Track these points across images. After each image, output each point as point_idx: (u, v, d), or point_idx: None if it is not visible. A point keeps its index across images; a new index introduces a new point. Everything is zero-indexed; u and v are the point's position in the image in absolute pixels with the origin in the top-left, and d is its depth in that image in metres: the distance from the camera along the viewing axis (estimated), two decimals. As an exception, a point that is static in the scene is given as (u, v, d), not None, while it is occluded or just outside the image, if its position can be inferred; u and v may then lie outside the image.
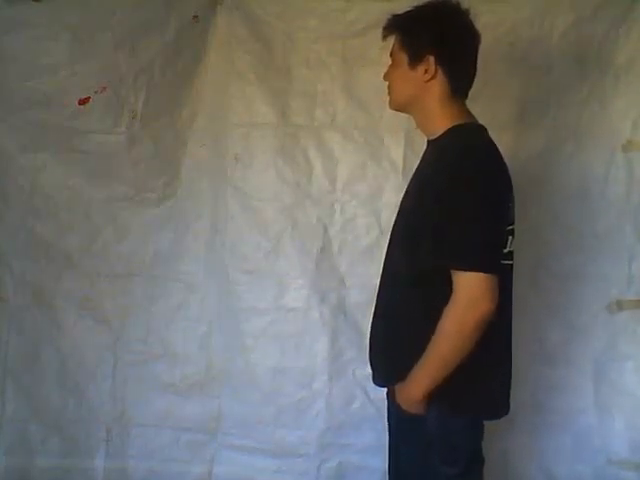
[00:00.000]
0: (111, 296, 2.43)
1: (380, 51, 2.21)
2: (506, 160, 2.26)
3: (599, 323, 2.29)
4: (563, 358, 2.33)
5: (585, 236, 2.29)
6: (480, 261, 1.48)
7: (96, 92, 2.14)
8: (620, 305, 2.27)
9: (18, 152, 2.31)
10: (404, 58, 1.65)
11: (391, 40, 1.69)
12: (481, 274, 1.46)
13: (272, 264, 2.34)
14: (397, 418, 1.73)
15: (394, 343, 1.69)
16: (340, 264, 2.35)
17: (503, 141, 2.25)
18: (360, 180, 2.32)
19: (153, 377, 2.43)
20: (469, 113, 1.68)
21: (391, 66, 1.72)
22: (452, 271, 1.49)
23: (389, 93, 1.74)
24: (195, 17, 2.23)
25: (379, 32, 2.14)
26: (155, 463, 2.44)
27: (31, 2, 2.01)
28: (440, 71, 1.61)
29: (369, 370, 2.34)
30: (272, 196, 2.33)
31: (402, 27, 1.66)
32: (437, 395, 1.55)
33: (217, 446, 2.44)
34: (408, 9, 1.67)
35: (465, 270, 1.47)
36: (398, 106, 1.75)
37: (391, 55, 1.71)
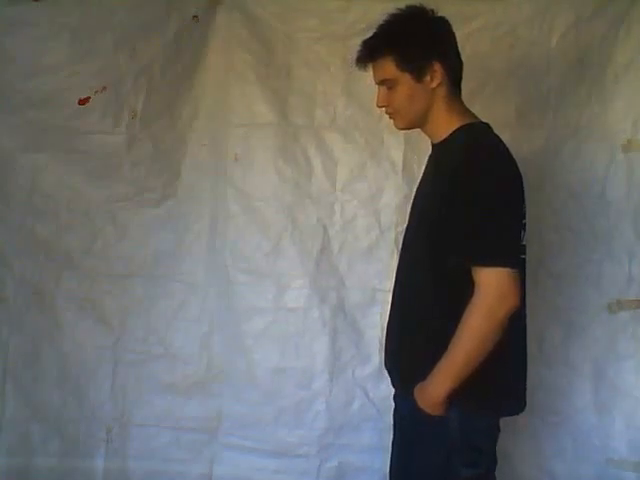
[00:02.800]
0: (111, 296, 2.43)
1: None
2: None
3: (599, 323, 2.29)
4: (563, 358, 2.33)
5: (585, 236, 2.28)
6: (505, 257, 1.49)
7: (96, 92, 2.14)
8: (620, 305, 2.27)
9: (18, 152, 2.31)
10: (406, 76, 1.62)
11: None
12: (507, 269, 1.47)
13: (272, 264, 2.34)
14: (412, 420, 1.67)
15: (413, 343, 1.67)
16: (340, 264, 2.35)
17: (503, 141, 2.27)
18: (360, 180, 2.32)
19: (153, 377, 2.43)
20: (470, 112, 1.69)
21: (386, 91, 1.67)
22: (475, 268, 1.49)
23: (393, 117, 1.71)
24: (195, 17, 2.23)
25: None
26: (155, 463, 2.44)
27: (31, 2, 2.02)
28: (444, 74, 1.62)
29: (369, 370, 2.36)
30: (272, 196, 2.33)
31: (396, 47, 1.62)
32: (460, 395, 1.53)
33: (217, 446, 2.44)
34: (374, 32, 1.66)
35: (491, 266, 1.47)
36: (410, 125, 1.73)
37: (384, 82, 1.66)
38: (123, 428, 2.45)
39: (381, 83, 1.68)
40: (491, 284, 1.47)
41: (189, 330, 2.43)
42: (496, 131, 2.26)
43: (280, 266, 2.34)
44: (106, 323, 2.43)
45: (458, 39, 2.18)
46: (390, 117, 1.73)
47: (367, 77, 2.23)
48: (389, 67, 1.63)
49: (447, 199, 1.53)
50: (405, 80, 1.62)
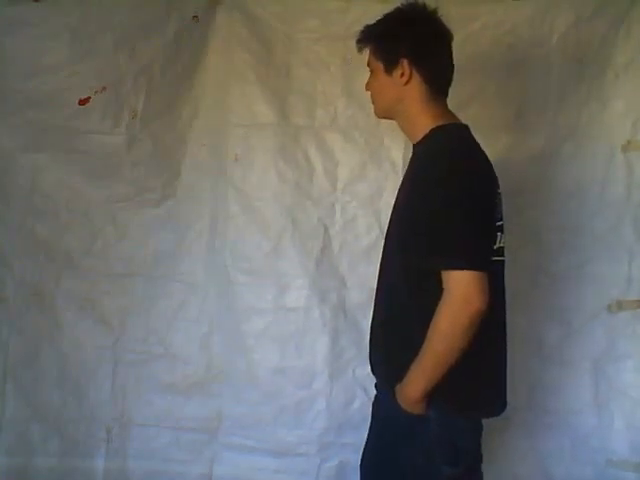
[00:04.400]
0: (111, 296, 2.43)
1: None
2: (505, 160, 2.30)
3: (599, 323, 2.30)
4: (563, 358, 2.33)
5: (585, 236, 2.29)
6: (469, 259, 1.49)
7: (96, 92, 2.14)
8: (620, 305, 2.27)
9: (18, 152, 2.31)
10: (380, 66, 1.70)
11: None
12: (471, 272, 1.48)
13: (272, 264, 2.34)
14: (394, 419, 1.71)
15: (392, 345, 1.71)
16: (340, 264, 2.35)
17: (502, 141, 2.29)
18: (360, 180, 2.33)
19: (153, 377, 2.43)
20: (450, 113, 1.70)
21: (370, 76, 1.77)
22: (442, 271, 1.51)
23: (372, 102, 1.80)
24: (195, 17, 2.23)
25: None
26: (155, 463, 2.44)
27: (31, 2, 2.01)
28: (415, 73, 1.66)
29: (369, 370, 2.36)
30: (272, 196, 2.33)
31: (374, 36, 1.72)
32: (438, 396, 1.56)
33: (217, 446, 2.44)
34: (379, 19, 1.73)
35: (456, 269, 1.49)
36: (382, 112, 1.80)
37: (368, 65, 1.76)
38: (123, 428, 2.44)
39: (368, 66, 1.78)
40: (456, 287, 1.49)
41: (189, 330, 2.43)
42: (496, 131, 2.28)
43: (280, 266, 2.34)
44: (106, 323, 2.43)
45: (458, 39, 2.19)
46: (372, 103, 1.81)
47: (367, 77, 2.25)
48: (370, 55, 1.75)
49: (416, 202, 1.57)
50: (378, 69, 1.71)
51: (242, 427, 2.42)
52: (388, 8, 2.16)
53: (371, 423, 1.85)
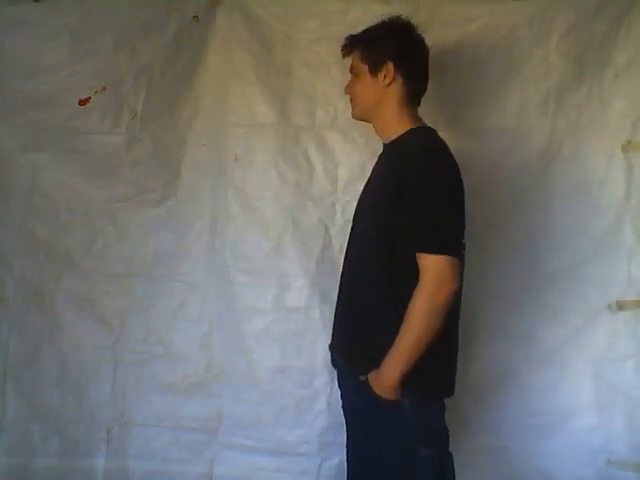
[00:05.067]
0: (111, 296, 2.42)
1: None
2: (505, 160, 2.31)
3: (599, 323, 2.30)
4: (563, 358, 2.34)
5: (585, 236, 2.29)
6: (447, 245, 1.65)
7: (96, 92, 2.14)
8: (620, 305, 2.28)
9: (18, 152, 2.31)
10: (365, 68, 1.86)
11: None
12: (448, 257, 1.63)
13: (273, 264, 2.34)
14: (372, 409, 1.81)
15: (366, 332, 1.83)
16: (341, 264, 2.33)
17: (502, 141, 2.29)
18: (361, 180, 2.29)
19: (153, 377, 2.43)
20: (421, 119, 1.88)
21: (352, 79, 1.93)
22: (419, 255, 1.66)
23: (352, 103, 1.96)
24: (195, 17, 2.22)
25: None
26: (155, 463, 2.44)
27: (31, 2, 2.01)
28: (398, 76, 1.83)
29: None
30: (273, 196, 2.32)
31: (362, 42, 1.89)
32: (410, 381, 1.68)
33: (218, 446, 2.44)
34: (365, 28, 1.90)
35: (433, 253, 1.63)
36: (361, 113, 1.95)
37: (351, 70, 1.93)
38: (123, 428, 2.45)
39: (351, 71, 1.93)
40: (433, 270, 1.63)
41: (189, 330, 2.42)
42: (495, 131, 2.30)
43: (281, 266, 2.34)
44: (106, 323, 2.43)
45: (459, 40, 2.22)
46: (351, 105, 1.97)
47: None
48: (356, 58, 1.90)
49: (397, 194, 1.69)
50: (364, 71, 1.87)
51: (242, 427, 2.42)
52: (388, 8, 2.17)
53: (345, 417, 2.01)
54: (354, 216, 1.97)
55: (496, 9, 2.21)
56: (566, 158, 2.28)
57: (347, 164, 2.32)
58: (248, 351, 2.37)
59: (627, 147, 2.24)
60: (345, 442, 2.12)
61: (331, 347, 2.02)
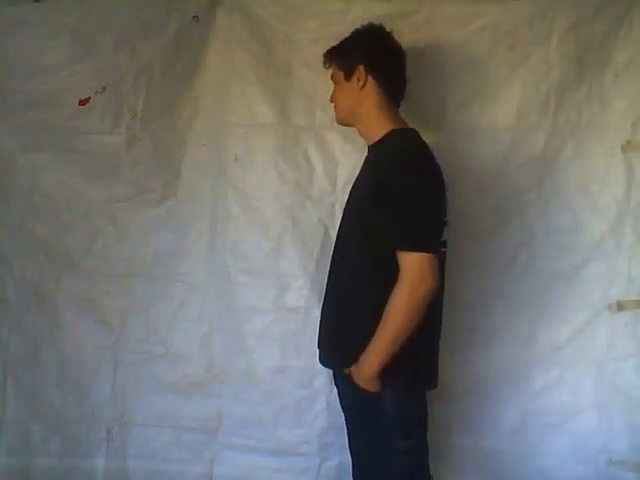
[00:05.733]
0: (111, 296, 2.43)
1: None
2: (504, 160, 2.31)
3: (599, 323, 2.30)
4: (563, 358, 2.33)
5: (585, 236, 2.28)
6: (425, 243, 1.72)
7: (96, 92, 2.14)
8: (620, 305, 2.27)
9: (18, 152, 2.31)
10: (341, 75, 1.97)
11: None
12: (426, 254, 1.70)
13: (273, 264, 2.34)
14: (356, 401, 1.94)
15: (349, 326, 1.89)
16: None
17: (502, 141, 2.29)
18: (360, 181, 2.32)
19: (153, 377, 2.44)
20: (402, 120, 1.95)
21: (333, 88, 2.03)
22: (399, 252, 1.72)
23: (335, 110, 2.05)
24: (195, 17, 2.22)
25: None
26: (156, 463, 2.45)
27: (31, 2, 2.02)
28: (371, 78, 1.91)
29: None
30: (272, 196, 2.32)
31: (334, 51, 2.00)
32: (391, 374, 1.76)
33: (218, 445, 2.45)
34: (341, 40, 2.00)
35: (412, 251, 1.70)
36: (343, 118, 2.04)
37: (331, 79, 2.02)
38: (123, 428, 2.45)
39: (332, 80, 2.03)
40: (412, 267, 1.70)
41: (189, 330, 2.43)
42: (495, 131, 2.30)
43: (280, 266, 2.34)
44: (106, 323, 2.43)
45: (459, 39, 2.22)
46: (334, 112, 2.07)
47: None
48: (334, 67, 2.01)
49: (378, 194, 1.75)
50: (340, 78, 1.97)
51: (242, 427, 2.42)
52: (388, 8, 2.18)
53: (343, 413, 2.11)
54: (342, 217, 2.04)
55: (496, 8, 2.21)
56: (566, 158, 2.27)
57: (347, 164, 2.31)
58: (248, 351, 2.38)
59: (627, 147, 2.23)
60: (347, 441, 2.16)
61: (318, 344, 2.07)
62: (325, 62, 2.03)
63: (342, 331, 1.93)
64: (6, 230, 2.37)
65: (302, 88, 2.29)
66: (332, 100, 2.05)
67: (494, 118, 2.26)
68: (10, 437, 2.38)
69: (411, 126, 1.94)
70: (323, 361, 2.06)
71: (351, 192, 2.03)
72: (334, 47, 2.01)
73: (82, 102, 2.14)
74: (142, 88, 2.21)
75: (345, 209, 2.03)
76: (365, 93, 1.93)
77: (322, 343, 2.04)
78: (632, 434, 2.28)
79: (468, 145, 2.27)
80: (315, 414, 2.37)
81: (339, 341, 1.95)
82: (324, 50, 2.06)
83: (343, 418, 2.19)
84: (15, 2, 2.02)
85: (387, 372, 1.76)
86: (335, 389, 2.21)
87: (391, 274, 1.73)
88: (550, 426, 2.35)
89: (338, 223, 2.31)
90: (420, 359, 1.83)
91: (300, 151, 2.32)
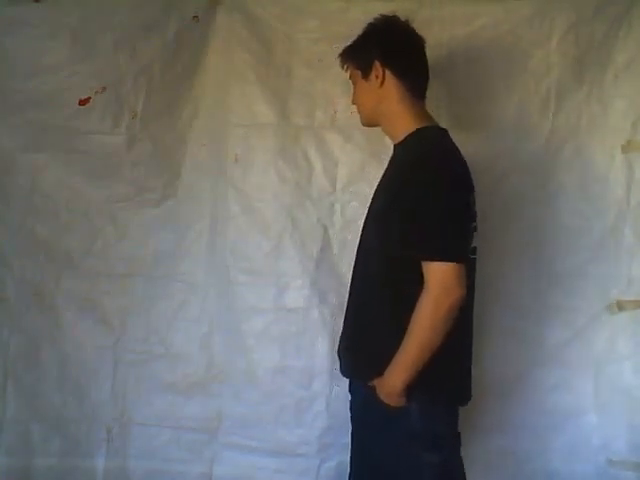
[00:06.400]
0: (111, 296, 2.42)
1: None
2: (506, 160, 2.30)
3: (599, 323, 2.30)
4: (563, 358, 2.33)
5: (585, 236, 2.29)
6: (450, 251, 1.61)
7: (96, 92, 2.14)
8: (620, 306, 2.27)
9: (18, 152, 2.31)
10: (358, 74, 1.87)
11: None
12: (452, 263, 1.60)
13: (272, 264, 2.34)
14: (376, 414, 1.78)
15: (371, 339, 1.79)
16: (340, 264, 2.33)
17: (503, 141, 2.29)
18: (360, 180, 2.32)
19: (154, 377, 2.43)
20: (430, 116, 1.83)
21: (353, 89, 1.93)
22: (423, 263, 1.62)
23: (359, 112, 1.95)
24: (195, 17, 2.22)
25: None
26: (156, 463, 2.44)
27: (31, 2, 2.02)
28: (389, 73, 1.80)
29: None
30: (272, 196, 2.32)
31: (350, 49, 1.90)
32: (418, 387, 1.66)
33: (218, 445, 2.44)
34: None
35: (437, 260, 1.60)
36: (367, 119, 1.93)
37: (350, 80, 1.93)
38: (123, 428, 2.45)
39: (350, 79, 1.94)
40: (437, 277, 1.60)
41: (189, 330, 2.42)
42: (496, 132, 2.29)
43: (280, 266, 2.34)
44: (106, 323, 2.43)
45: (459, 39, 2.21)
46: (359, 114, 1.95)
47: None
48: (351, 67, 1.91)
49: (400, 197, 1.67)
50: (358, 77, 1.87)
51: (242, 427, 2.42)
52: (388, 7, 2.17)
53: (352, 425, 1.95)
54: (364, 221, 1.93)
55: (496, 8, 2.21)
56: (566, 158, 2.27)
57: (347, 164, 2.32)
58: (248, 351, 2.38)
59: (627, 147, 2.24)
60: (350, 447, 2.03)
61: (338, 353, 1.99)
62: (341, 63, 1.93)
63: (364, 344, 1.83)
64: (6, 230, 2.36)
65: (302, 88, 2.30)
66: (354, 102, 1.95)
67: (494, 118, 2.26)
68: (10, 437, 2.38)
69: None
70: (343, 370, 1.98)
71: (373, 198, 1.93)
72: (348, 46, 1.91)
73: (82, 102, 2.14)
74: (142, 88, 2.21)
75: (367, 212, 1.92)
76: (385, 90, 1.81)
77: (343, 353, 1.95)
78: (632, 434, 2.28)
79: (468, 145, 2.26)
80: (315, 414, 2.37)
81: (361, 354, 1.85)
82: (324, 50, 2.07)
83: (342, 419, 2.19)
84: (15, 2, 2.02)
85: (412, 386, 1.66)
86: (335, 389, 2.22)
87: (414, 282, 1.64)
88: (551, 425, 2.35)
89: (338, 223, 2.32)
90: (449, 372, 1.72)
91: (300, 151, 2.32)
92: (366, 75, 1.84)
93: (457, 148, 1.75)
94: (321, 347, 2.35)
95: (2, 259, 2.37)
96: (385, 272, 1.74)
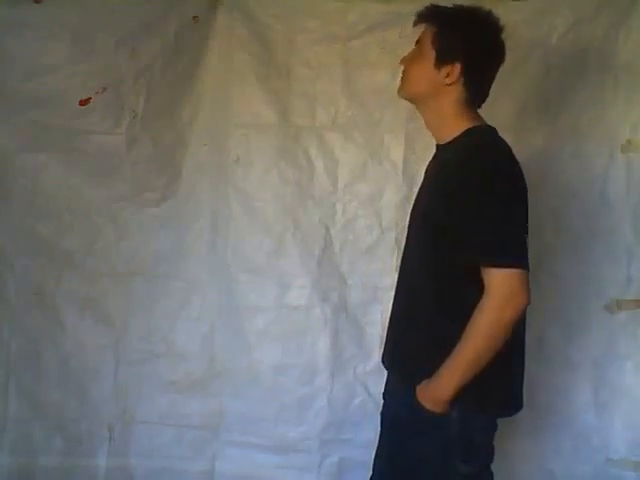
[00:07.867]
0: (112, 295, 2.42)
1: (380, 52, 2.23)
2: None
3: (598, 323, 2.31)
4: (563, 358, 2.34)
5: (584, 236, 2.30)
6: (515, 258, 1.48)
7: (97, 92, 2.14)
8: (619, 305, 2.29)
9: (18, 152, 2.30)
10: (432, 54, 1.64)
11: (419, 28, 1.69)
12: (517, 270, 1.47)
13: (274, 264, 2.35)
14: (410, 417, 1.68)
15: (418, 343, 1.68)
16: (341, 263, 2.36)
17: (508, 144, 2.28)
18: (361, 180, 2.33)
19: (155, 375, 2.44)
20: (480, 116, 1.69)
21: (414, 54, 1.70)
22: (484, 269, 1.49)
23: (402, 79, 1.72)
24: (195, 18, 2.22)
25: (379, 33, 2.14)
26: (158, 461, 2.45)
27: (32, 3, 2.01)
28: (462, 79, 1.62)
29: (370, 367, 2.38)
30: (273, 196, 2.33)
31: (441, 22, 1.65)
32: (463, 395, 1.54)
33: (219, 443, 2.46)
34: (449, 7, 1.66)
35: (501, 267, 1.47)
36: (409, 96, 1.74)
37: (417, 43, 1.70)
38: (125, 426, 2.46)
39: (416, 42, 1.71)
40: (501, 284, 1.47)
41: (191, 329, 2.43)
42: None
43: (282, 265, 2.35)
44: (108, 322, 2.43)
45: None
46: (401, 79, 1.73)
47: (367, 77, 2.25)
48: (428, 35, 1.66)
49: (455, 199, 1.53)
50: (429, 56, 1.64)
51: (244, 424, 2.43)
52: (389, 8, 2.17)
53: (382, 423, 1.84)
54: (408, 226, 1.79)
55: (496, 9, 2.19)
56: (566, 158, 2.28)
57: (347, 164, 2.32)
58: (249, 349, 2.39)
59: (627, 147, 2.24)
60: (376, 450, 1.89)
61: (383, 357, 1.87)
62: (419, 20, 1.68)
63: (410, 347, 1.71)
64: (7, 230, 2.36)
65: (302, 88, 2.30)
66: (405, 67, 1.71)
67: (494, 118, 2.25)
68: (12, 436, 2.38)
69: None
70: (389, 368, 1.85)
71: (417, 199, 1.79)
72: (442, 17, 1.65)
73: (82, 102, 2.14)
74: (142, 88, 2.21)
75: (411, 217, 1.78)
76: (450, 90, 1.64)
77: (387, 355, 1.84)
78: (631, 433, 2.30)
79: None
80: (316, 411, 2.39)
81: (405, 357, 1.74)
82: (324, 50, 2.06)
83: (343, 415, 2.21)
84: (15, 3, 2.02)
85: (459, 393, 1.54)
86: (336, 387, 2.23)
87: (466, 286, 1.54)
88: (550, 425, 2.36)
89: (339, 222, 2.33)
90: (499, 382, 1.59)
91: (301, 151, 2.33)
92: (439, 65, 1.63)
93: (509, 146, 1.63)
94: (322, 345, 2.37)
95: (3, 259, 2.37)
96: (437, 279, 1.62)
